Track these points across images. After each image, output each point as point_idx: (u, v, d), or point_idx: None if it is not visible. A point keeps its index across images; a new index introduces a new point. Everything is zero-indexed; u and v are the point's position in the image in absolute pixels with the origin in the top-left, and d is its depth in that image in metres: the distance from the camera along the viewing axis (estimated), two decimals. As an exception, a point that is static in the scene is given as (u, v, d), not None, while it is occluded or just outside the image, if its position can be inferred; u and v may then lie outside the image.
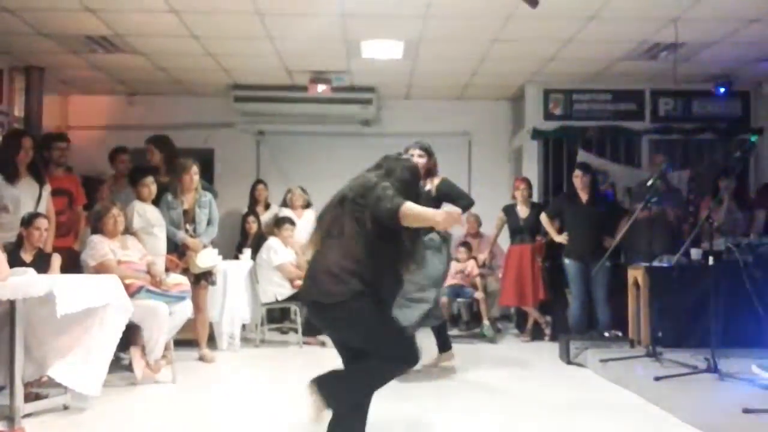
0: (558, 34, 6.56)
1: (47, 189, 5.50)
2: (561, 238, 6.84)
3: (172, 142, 6.64)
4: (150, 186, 5.78)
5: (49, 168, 5.84)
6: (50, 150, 5.96)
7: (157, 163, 6.38)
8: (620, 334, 6.18)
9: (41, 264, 4.77)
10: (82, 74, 7.93)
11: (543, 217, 7.05)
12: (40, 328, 4.01)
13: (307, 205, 7.83)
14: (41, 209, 5.31)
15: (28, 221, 4.90)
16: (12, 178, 5.26)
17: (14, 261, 4.56)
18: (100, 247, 5.15)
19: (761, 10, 5.85)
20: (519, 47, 6.96)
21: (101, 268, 5.06)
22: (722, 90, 7.72)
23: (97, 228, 5.29)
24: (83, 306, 3.97)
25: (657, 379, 4.60)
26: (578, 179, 6.81)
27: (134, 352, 5.00)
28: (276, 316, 7.63)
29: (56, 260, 4.97)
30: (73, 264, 5.32)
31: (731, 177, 6.70)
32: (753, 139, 6.49)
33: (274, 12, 6.00)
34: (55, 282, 3.88)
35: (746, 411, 3.69)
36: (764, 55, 7.01)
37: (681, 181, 7.59)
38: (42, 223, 4.93)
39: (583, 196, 6.79)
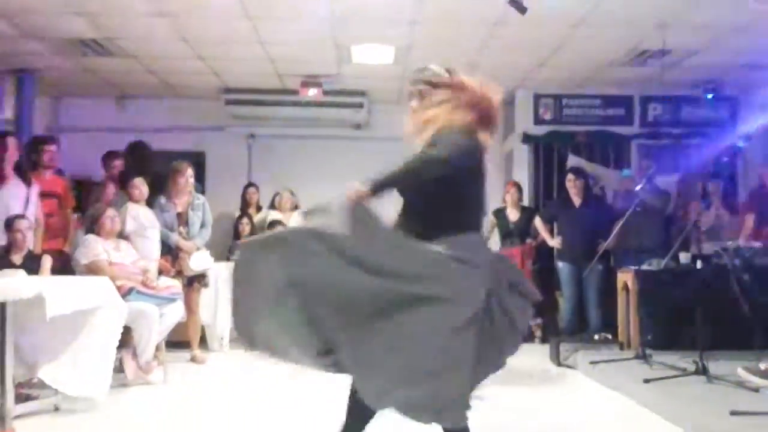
0: (547, 40, 6.60)
1: (35, 190, 5.48)
2: (555, 242, 6.89)
3: (143, 148, 6.70)
4: (140, 187, 5.80)
5: (38, 171, 5.83)
6: (39, 153, 5.92)
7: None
8: (610, 336, 6.22)
9: (31, 266, 4.76)
10: (73, 77, 7.90)
11: (537, 222, 7.11)
12: (30, 329, 4.00)
13: (295, 207, 7.87)
14: (30, 211, 5.30)
15: (8, 225, 4.91)
16: None
17: (4, 263, 4.57)
18: (93, 246, 5.17)
19: (748, 17, 5.92)
20: (509, 53, 7.00)
21: (92, 267, 5.08)
22: (710, 95, 7.78)
23: (93, 229, 5.30)
24: (73, 308, 3.97)
25: (646, 381, 4.63)
26: (571, 183, 6.89)
27: (125, 354, 5.00)
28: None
29: (47, 261, 4.97)
30: (63, 266, 5.30)
31: (718, 181, 6.77)
32: (740, 144, 6.57)
33: (263, 16, 6.01)
34: (45, 284, 3.87)
35: (734, 413, 3.72)
36: (752, 62, 7.07)
37: (669, 185, 7.63)
38: (21, 224, 4.92)
39: (576, 200, 6.87)
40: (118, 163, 6.74)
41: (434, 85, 2.80)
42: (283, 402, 4.59)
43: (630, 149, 8.49)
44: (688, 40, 6.52)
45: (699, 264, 5.14)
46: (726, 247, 5.52)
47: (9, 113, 7.48)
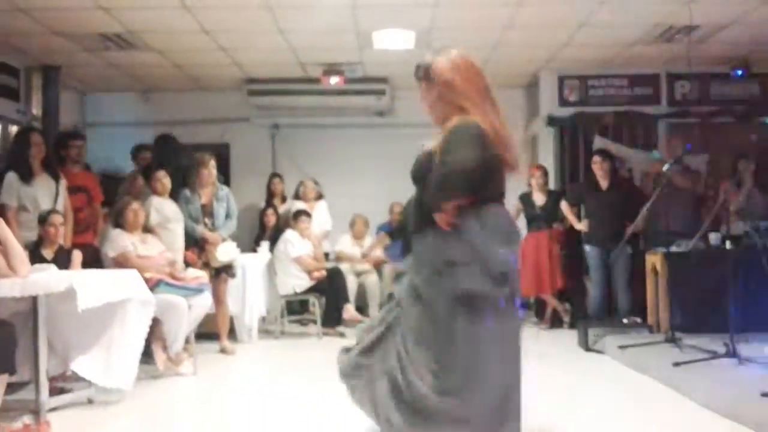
0: (570, 18, 6.50)
1: (63, 184, 5.57)
2: (581, 226, 6.83)
3: (171, 141, 6.78)
4: (162, 180, 5.86)
5: (66, 166, 5.92)
6: (67, 148, 6.03)
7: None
8: (639, 320, 6.16)
9: (62, 260, 4.84)
10: (98, 72, 7.99)
11: (563, 205, 7.05)
12: (62, 323, 4.07)
13: (319, 196, 7.89)
14: (59, 205, 5.39)
15: (43, 219, 4.99)
16: (27, 177, 5.35)
17: (36, 258, 4.63)
18: (119, 239, 5.26)
19: (777, -11, 5.78)
20: (531, 34, 6.91)
21: (121, 259, 5.16)
22: (739, 72, 7.62)
23: (118, 223, 5.38)
24: (104, 301, 4.02)
25: (676, 364, 4.58)
26: (597, 166, 6.81)
27: (155, 345, 5.08)
28: (296, 308, 7.68)
29: (77, 256, 5.05)
30: (93, 260, 5.39)
31: (750, 159, 6.64)
32: (767, 121, 6.44)
33: (282, 5, 6.00)
34: (76, 277, 3.93)
35: (765, 395, 3.68)
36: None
37: (699, 165, 7.51)
38: (56, 219, 5.00)
39: (603, 183, 6.79)
40: (148, 156, 6.83)
41: (428, 80, 2.91)
42: (312, 393, 4.62)
43: (657, 129, 8.35)
44: (716, 14, 6.38)
45: (729, 245, 5.05)
46: (757, 227, 5.42)
47: (36, 109, 7.59)
